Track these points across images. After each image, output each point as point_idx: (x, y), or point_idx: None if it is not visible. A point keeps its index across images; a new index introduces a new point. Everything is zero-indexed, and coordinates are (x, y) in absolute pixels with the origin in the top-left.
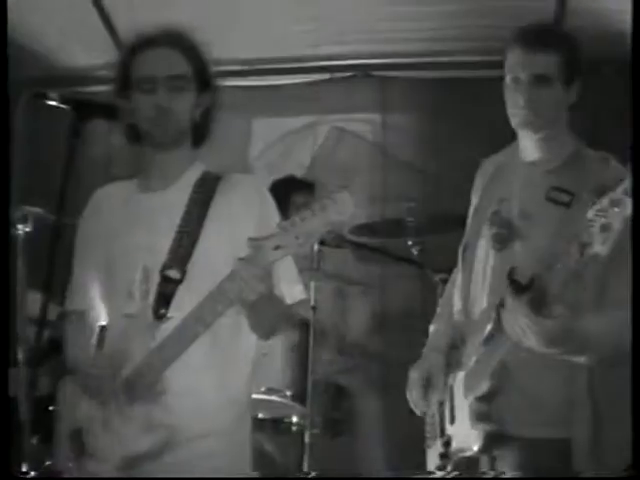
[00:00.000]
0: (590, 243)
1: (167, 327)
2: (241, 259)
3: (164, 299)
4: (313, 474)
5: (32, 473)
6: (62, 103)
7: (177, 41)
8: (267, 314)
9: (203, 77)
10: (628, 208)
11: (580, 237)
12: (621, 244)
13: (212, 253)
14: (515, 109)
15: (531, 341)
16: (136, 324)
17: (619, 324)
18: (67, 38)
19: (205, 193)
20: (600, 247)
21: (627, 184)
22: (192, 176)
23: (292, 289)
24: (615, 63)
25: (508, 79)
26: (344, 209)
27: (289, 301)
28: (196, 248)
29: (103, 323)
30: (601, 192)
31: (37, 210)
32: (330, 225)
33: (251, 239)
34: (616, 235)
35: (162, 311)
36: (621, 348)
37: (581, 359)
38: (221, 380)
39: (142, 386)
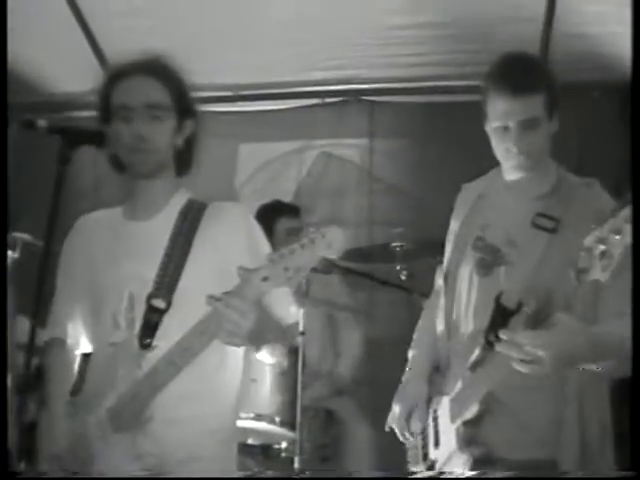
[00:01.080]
0: (587, 270)
1: (153, 356)
2: (227, 293)
3: (149, 328)
4: (307, 473)
5: None
6: (50, 130)
7: (154, 69)
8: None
9: (183, 104)
10: (628, 235)
11: (576, 264)
12: (621, 269)
13: (198, 282)
14: (506, 155)
15: (542, 362)
16: (121, 353)
17: (625, 332)
18: (56, 64)
19: (190, 222)
20: (600, 274)
21: (628, 211)
22: (177, 204)
23: (286, 311)
24: (604, 87)
25: (495, 126)
26: (334, 244)
27: (285, 323)
28: (182, 277)
29: (86, 351)
30: (599, 219)
31: (25, 236)
32: (319, 260)
33: (241, 268)
34: (617, 262)
35: (147, 340)
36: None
37: (596, 367)
38: (206, 408)
39: (128, 415)
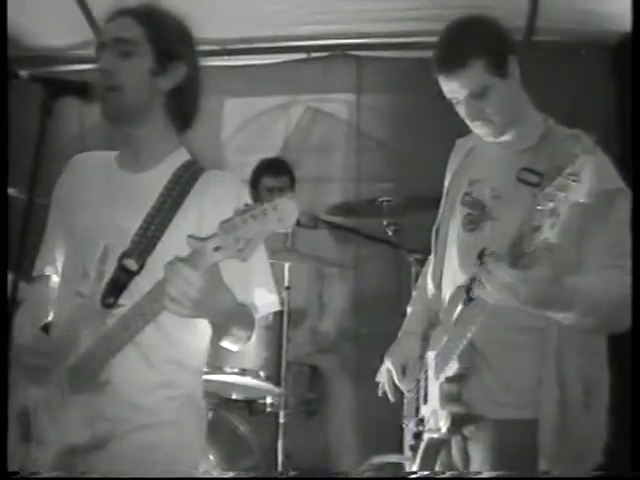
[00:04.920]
0: (539, 227)
1: (118, 314)
2: (179, 259)
3: (116, 288)
4: (293, 473)
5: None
6: (32, 81)
7: (135, 10)
8: (230, 324)
9: (162, 44)
10: (575, 193)
11: (532, 221)
12: (570, 227)
13: (175, 249)
14: (471, 124)
15: (518, 297)
16: (85, 309)
17: (608, 286)
18: (41, 18)
19: (182, 185)
20: (549, 232)
21: (577, 166)
22: (174, 163)
23: (266, 299)
24: (592, 45)
25: (449, 99)
26: (285, 218)
27: (260, 313)
28: (161, 241)
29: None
30: (559, 172)
31: (11, 190)
32: (269, 232)
33: (191, 237)
34: (564, 221)
35: (110, 300)
36: (606, 311)
37: (570, 316)
38: (171, 370)
39: (86, 376)
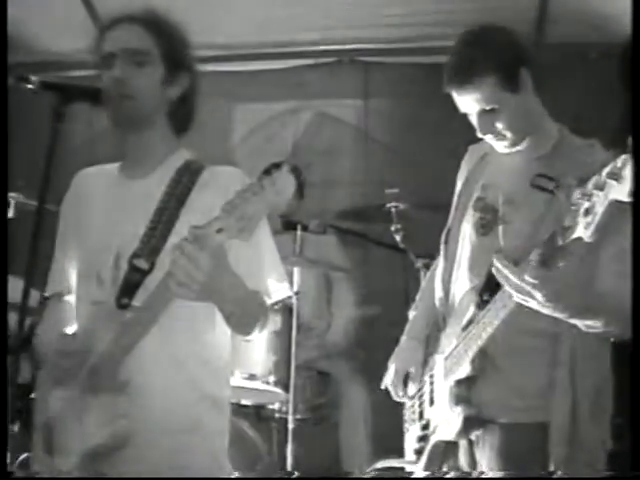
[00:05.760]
0: (572, 227)
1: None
2: (184, 240)
3: (129, 288)
4: (296, 474)
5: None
6: (44, 87)
7: (143, 18)
8: (242, 312)
9: (173, 54)
10: (612, 191)
11: (562, 221)
12: (606, 227)
13: None
14: (485, 137)
15: (536, 298)
16: (100, 313)
17: (621, 290)
18: (48, 23)
19: (185, 184)
20: (583, 231)
21: (612, 167)
22: (174, 164)
23: (276, 286)
24: (601, 48)
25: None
26: (283, 189)
27: (273, 298)
28: (169, 240)
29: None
30: (584, 177)
31: (18, 196)
32: (270, 207)
33: (193, 227)
34: (599, 219)
35: (125, 300)
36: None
37: (598, 324)
38: (194, 373)
39: (105, 376)
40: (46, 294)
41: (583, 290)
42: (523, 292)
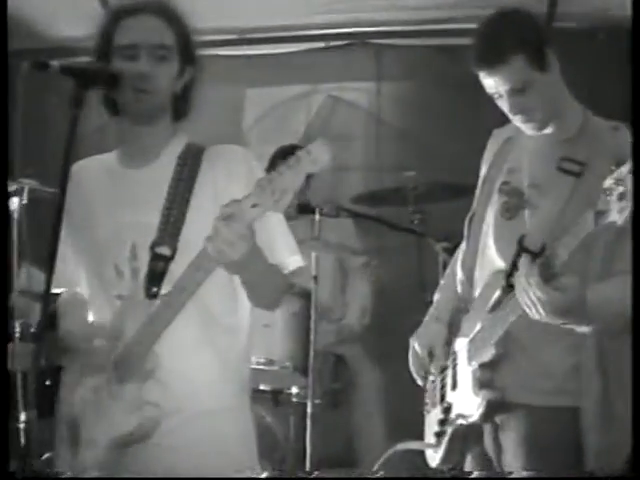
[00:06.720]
0: (606, 212)
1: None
2: (219, 218)
3: (155, 277)
4: (316, 474)
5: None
6: (63, 71)
7: (162, 9)
8: (265, 284)
9: (187, 49)
10: None
11: (596, 206)
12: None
13: (201, 227)
14: (513, 117)
15: (539, 312)
16: (128, 304)
17: (623, 293)
18: (57, 8)
19: (190, 166)
20: (617, 216)
21: None
22: (175, 149)
23: (289, 257)
24: (608, 29)
25: (489, 93)
26: (319, 158)
27: (287, 270)
28: (185, 223)
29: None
30: (619, 161)
31: (32, 182)
32: (303, 178)
33: (226, 205)
34: (632, 203)
35: (154, 289)
36: (623, 318)
37: (585, 329)
38: (217, 355)
39: (132, 364)
40: (56, 290)
41: (574, 303)
42: (529, 303)
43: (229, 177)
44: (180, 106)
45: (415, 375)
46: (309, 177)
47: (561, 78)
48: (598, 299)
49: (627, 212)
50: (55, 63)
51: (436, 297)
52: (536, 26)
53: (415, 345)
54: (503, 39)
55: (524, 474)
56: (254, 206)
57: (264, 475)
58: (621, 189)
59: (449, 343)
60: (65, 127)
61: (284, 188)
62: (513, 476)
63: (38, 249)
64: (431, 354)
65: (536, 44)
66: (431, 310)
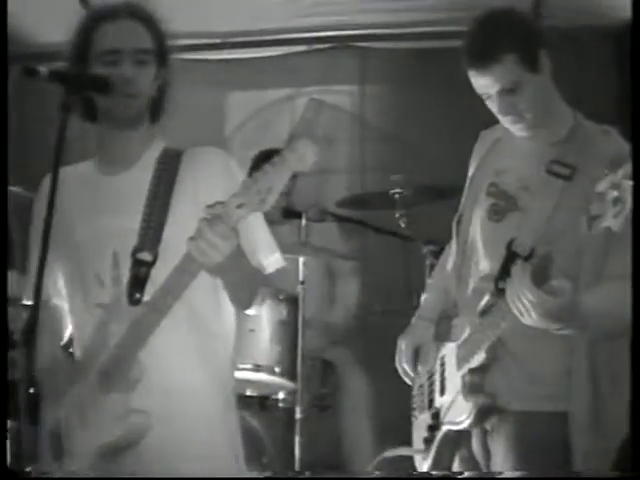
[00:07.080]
0: (600, 216)
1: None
2: (204, 219)
3: (138, 283)
4: (307, 474)
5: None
6: (52, 78)
7: (138, 13)
8: (244, 282)
9: (163, 52)
10: None
11: (590, 210)
12: (628, 218)
13: (182, 231)
14: (502, 118)
15: (531, 316)
16: (111, 312)
17: (616, 298)
18: (42, 14)
19: (168, 171)
20: (612, 221)
21: None
22: (152, 154)
23: (269, 258)
24: (598, 30)
25: (479, 94)
26: (304, 156)
27: (267, 270)
28: (165, 228)
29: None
30: (611, 165)
31: (15, 189)
32: (289, 175)
33: (209, 206)
34: (628, 208)
35: (137, 295)
36: (618, 322)
37: (577, 333)
38: (203, 360)
39: (117, 372)
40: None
41: (566, 311)
42: (521, 307)
43: (208, 179)
44: (156, 109)
45: (401, 374)
46: (294, 178)
47: (552, 80)
48: (593, 303)
49: (622, 217)
50: (44, 69)
51: (423, 297)
52: (529, 26)
53: (402, 344)
54: (496, 37)
55: (515, 474)
56: (239, 206)
57: None
58: (616, 193)
59: (438, 344)
60: (47, 132)
61: (269, 187)
62: (503, 476)
63: (21, 256)
64: (418, 353)
65: (529, 44)
66: (418, 311)
